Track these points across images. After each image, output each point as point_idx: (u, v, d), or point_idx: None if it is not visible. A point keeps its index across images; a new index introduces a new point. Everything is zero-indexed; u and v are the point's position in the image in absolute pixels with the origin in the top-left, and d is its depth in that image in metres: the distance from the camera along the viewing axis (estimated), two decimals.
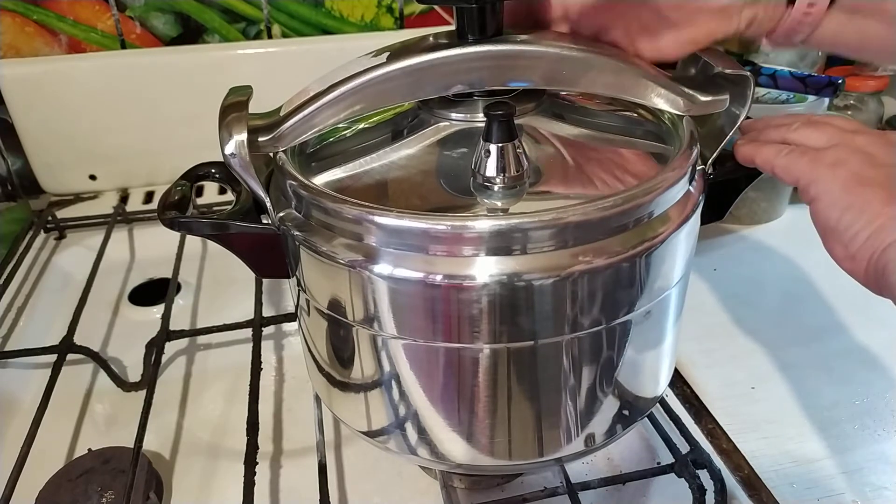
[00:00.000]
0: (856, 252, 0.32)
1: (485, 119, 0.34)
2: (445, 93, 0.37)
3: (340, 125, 0.42)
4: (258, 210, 0.39)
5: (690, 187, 0.37)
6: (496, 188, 0.34)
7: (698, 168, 0.38)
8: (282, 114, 0.37)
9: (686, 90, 0.37)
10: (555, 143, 0.39)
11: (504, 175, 0.34)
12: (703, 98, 0.37)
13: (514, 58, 0.36)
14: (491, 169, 0.34)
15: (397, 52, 0.37)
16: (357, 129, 0.43)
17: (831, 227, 0.33)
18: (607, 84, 0.37)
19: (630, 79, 0.37)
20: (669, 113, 0.39)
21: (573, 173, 0.37)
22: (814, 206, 0.34)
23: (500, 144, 0.34)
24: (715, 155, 0.39)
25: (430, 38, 0.38)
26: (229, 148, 0.35)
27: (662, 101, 0.37)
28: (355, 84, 0.36)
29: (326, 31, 0.86)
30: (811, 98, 0.68)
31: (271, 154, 0.38)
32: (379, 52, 0.38)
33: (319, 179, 0.37)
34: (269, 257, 0.39)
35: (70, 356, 0.56)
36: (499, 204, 0.34)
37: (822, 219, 0.33)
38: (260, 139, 0.36)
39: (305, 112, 0.36)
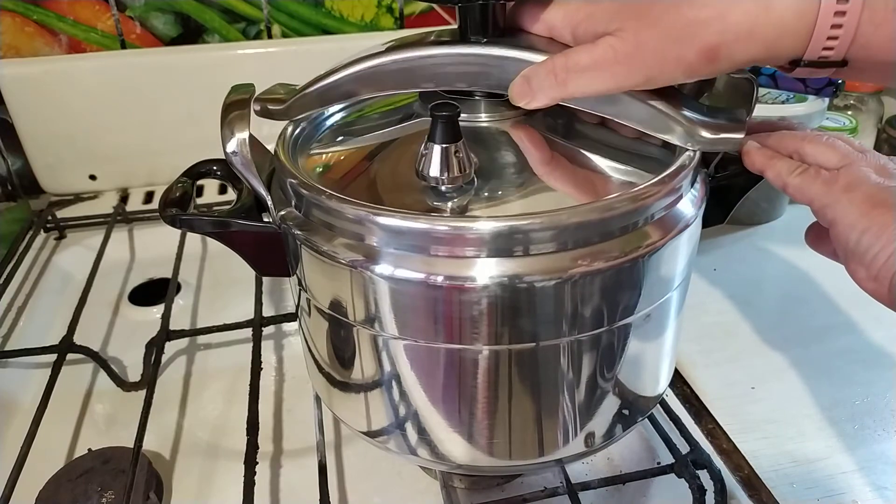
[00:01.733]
0: (878, 273, 0.32)
1: (479, 120, 0.34)
2: (436, 88, 0.38)
3: (341, 124, 0.43)
4: (259, 208, 0.39)
5: (693, 191, 0.37)
6: (442, 188, 0.34)
7: (701, 171, 0.38)
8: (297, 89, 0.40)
9: (694, 121, 0.35)
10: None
11: (448, 175, 0.34)
12: (710, 136, 0.36)
13: (504, 61, 0.36)
14: (435, 169, 0.34)
15: (398, 45, 0.38)
16: (358, 127, 0.43)
17: (851, 250, 0.33)
18: (602, 108, 0.36)
19: (631, 104, 0.35)
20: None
21: (569, 177, 0.37)
22: (833, 231, 0.34)
23: (443, 145, 0.33)
24: (718, 158, 0.38)
25: (433, 35, 0.39)
26: (231, 146, 0.35)
27: (668, 134, 0.36)
28: (352, 70, 0.38)
29: (326, 31, 0.86)
30: (811, 98, 0.68)
31: (272, 152, 0.39)
32: (385, 45, 0.38)
33: (319, 176, 0.38)
34: (270, 255, 0.39)
35: (70, 356, 0.56)
36: (448, 205, 0.34)
37: (842, 242, 0.33)
38: (270, 107, 0.40)
39: (311, 89, 0.39)
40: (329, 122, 0.44)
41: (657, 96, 0.35)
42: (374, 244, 0.33)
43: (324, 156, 0.40)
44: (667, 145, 0.38)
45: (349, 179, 0.38)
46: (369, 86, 0.38)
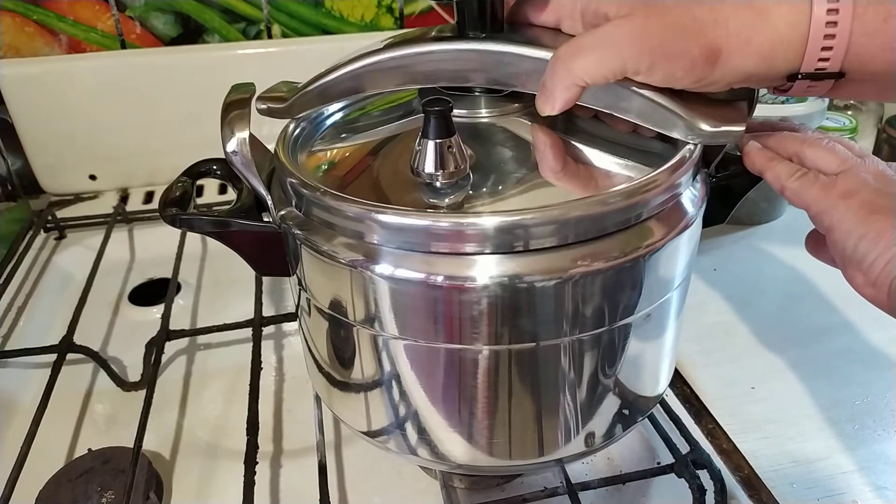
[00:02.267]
0: (876, 279, 0.32)
1: (478, 116, 0.34)
2: (435, 84, 0.38)
3: (342, 122, 0.43)
4: (259, 208, 0.39)
5: (693, 189, 0.37)
6: (437, 184, 0.34)
7: (701, 171, 0.38)
8: (298, 87, 0.40)
9: (695, 113, 0.35)
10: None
11: (442, 171, 0.34)
12: (711, 129, 0.35)
13: (501, 56, 0.36)
14: (429, 165, 0.34)
15: (397, 42, 0.38)
16: (358, 125, 0.43)
17: (848, 256, 0.33)
18: (602, 102, 0.36)
19: (631, 97, 0.35)
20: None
21: (570, 173, 0.37)
22: (829, 237, 0.34)
23: (436, 141, 0.33)
24: (718, 158, 0.38)
25: (432, 32, 0.39)
26: (231, 145, 0.35)
27: (668, 127, 0.35)
28: (352, 67, 0.38)
29: (326, 31, 0.86)
30: (811, 98, 0.68)
31: (272, 151, 0.39)
32: (384, 42, 0.39)
33: (319, 174, 0.38)
34: (270, 255, 0.39)
35: (70, 356, 0.56)
36: (445, 201, 0.34)
37: (839, 248, 0.33)
38: (273, 106, 0.40)
39: (312, 87, 0.39)
40: (330, 121, 0.44)
41: (657, 89, 0.34)
42: (374, 241, 0.33)
43: (324, 154, 0.40)
44: (667, 140, 0.38)
45: (348, 177, 0.38)
46: (369, 83, 0.38)
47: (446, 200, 0.34)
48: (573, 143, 0.38)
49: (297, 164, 0.38)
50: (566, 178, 0.36)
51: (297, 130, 0.41)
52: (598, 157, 0.38)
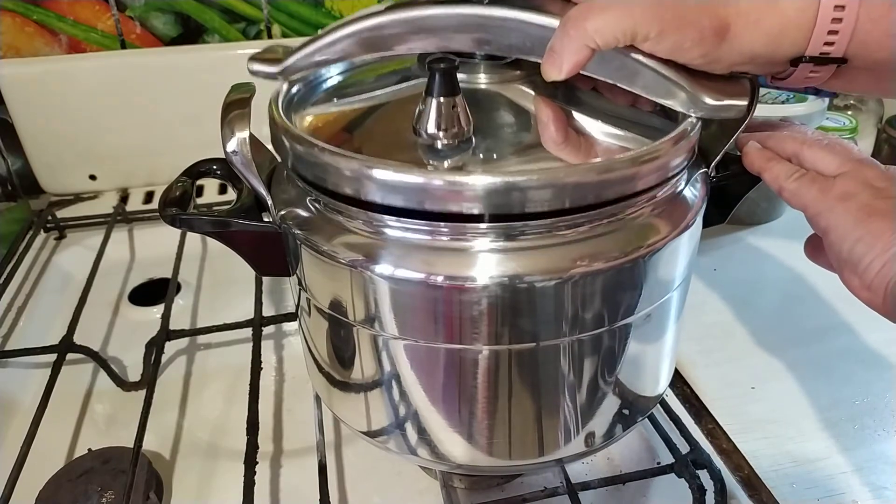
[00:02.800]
0: (871, 282, 0.32)
1: (478, 82, 0.34)
2: (434, 50, 0.37)
3: (337, 86, 0.43)
4: (259, 208, 0.39)
5: (693, 189, 0.37)
6: (439, 144, 0.34)
7: (701, 171, 0.38)
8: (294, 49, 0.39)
9: (698, 86, 0.34)
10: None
11: (445, 130, 0.33)
12: (714, 102, 0.35)
13: (504, 21, 0.35)
14: (432, 124, 0.33)
15: (397, 5, 0.37)
16: (353, 89, 0.43)
17: (844, 259, 0.33)
18: (606, 72, 0.35)
19: (634, 67, 0.34)
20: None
21: (573, 144, 0.36)
22: (826, 239, 0.34)
23: (441, 98, 0.33)
24: (718, 158, 0.38)
25: None
26: (231, 145, 0.35)
27: (671, 99, 0.35)
28: (350, 30, 0.37)
29: None
30: (811, 98, 0.68)
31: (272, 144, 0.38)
32: (384, 4, 0.38)
33: (313, 135, 0.37)
34: (270, 255, 0.39)
35: (70, 356, 0.56)
36: (445, 163, 0.34)
37: (835, 251, 0.33)
38: (265, 68, 0.40)
39: (307, 50, 0.38)
40: (325, 85, 0.43)
41: (660, 60, 0.34)
42: (371, 200, 0.32)
43: (318, 117, 0.40)
44: (667, 116, 0.37)
45: (343, 139, 0.37)
46: (367, 46, 0.37)
47: (446, 162, 0.34)
48: (574, 114, 0.38)
49: (293, 122, 0.38)
50: (568, 150, 0.36)
51: (293, 90, 0.41)
52: (599, 130, 0.38)
